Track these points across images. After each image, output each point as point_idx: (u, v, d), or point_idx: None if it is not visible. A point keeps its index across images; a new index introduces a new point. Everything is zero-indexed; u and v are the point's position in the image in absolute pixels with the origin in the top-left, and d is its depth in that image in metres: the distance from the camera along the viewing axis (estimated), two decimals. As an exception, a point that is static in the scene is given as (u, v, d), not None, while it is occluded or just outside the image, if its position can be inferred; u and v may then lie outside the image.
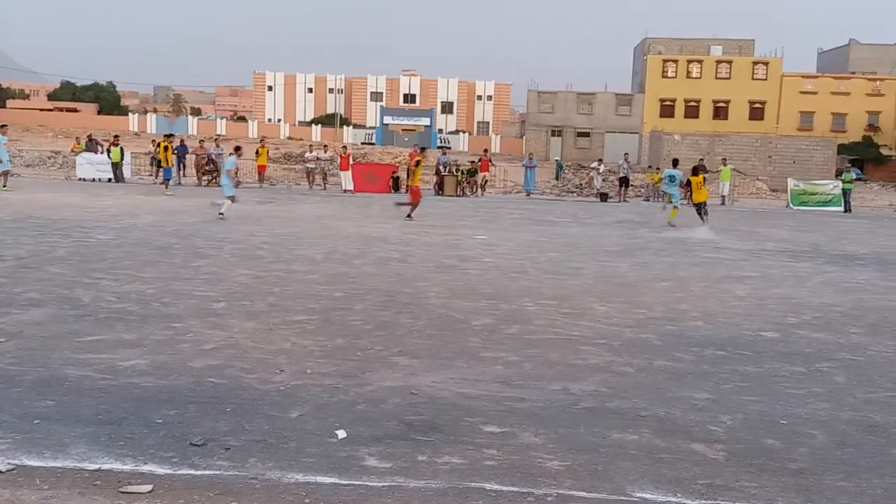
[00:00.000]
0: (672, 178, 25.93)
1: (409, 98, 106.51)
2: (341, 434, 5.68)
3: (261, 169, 34.44)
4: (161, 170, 30.56)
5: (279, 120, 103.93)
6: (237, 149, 21.82)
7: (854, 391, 7.30)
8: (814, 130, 70.53)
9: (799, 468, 5.44)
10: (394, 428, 5.87)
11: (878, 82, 74.37)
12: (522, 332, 9.10)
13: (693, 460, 5.51)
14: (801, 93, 74.15)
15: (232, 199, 19.60)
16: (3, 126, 27.30)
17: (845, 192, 34.27)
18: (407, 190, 27.22)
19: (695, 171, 22.79)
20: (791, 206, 34.68)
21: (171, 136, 32.34)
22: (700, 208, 22.36)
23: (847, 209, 33.81)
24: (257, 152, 34.72)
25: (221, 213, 19.20)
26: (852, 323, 10.35)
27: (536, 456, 5.46)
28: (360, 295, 10.82)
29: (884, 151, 69.82)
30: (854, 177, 36.71)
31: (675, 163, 27.26)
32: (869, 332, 9.86)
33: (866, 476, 5.35)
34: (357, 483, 4.93)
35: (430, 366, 7.52)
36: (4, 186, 25.48)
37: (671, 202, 25.92)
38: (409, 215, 21.62)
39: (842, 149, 61.46)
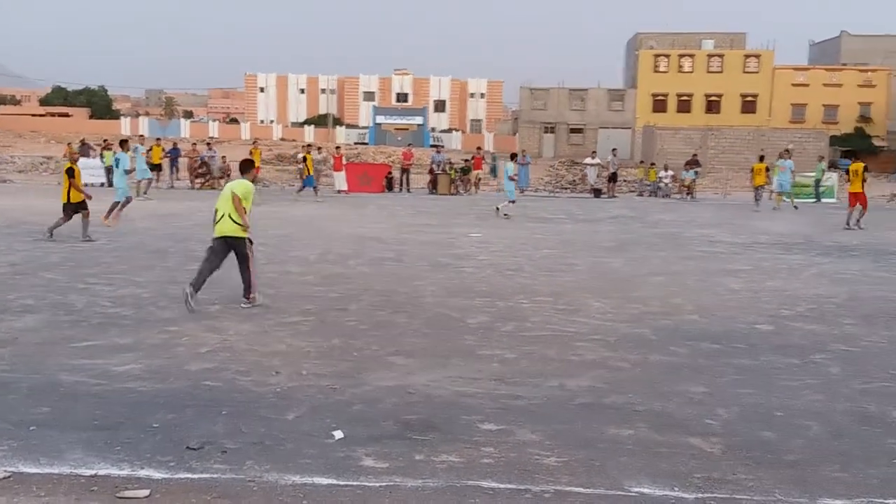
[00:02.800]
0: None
1: (402, 97, 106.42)
2: (338, 435, 5.68)
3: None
4: (158, 173, 31.01)
5: (272, 121, 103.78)
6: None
7: (849, 382, 7.32)
8: (806, 122, 70.66)
9: (795, 460, 5.45)
10: (391, 427, 5.87)
11: (869, 73, 74.47)
12: (518, 329, 9.11)
13: (690, 454, 5.52)
14: (793, 85, 74.24)
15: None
16: None
17: (816, 182, 34.70)
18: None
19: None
20: (784, 198, 34.74)
21: (159, 139, 32.60)
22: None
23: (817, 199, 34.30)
24: (250, 153, 34.66)
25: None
26: (846, 314, 10.37)
27: (533, 453, 5.46)
28: (355, 295, 10.81)
29: (875, 142, 69.94)
30: (824, 168, 36.99)
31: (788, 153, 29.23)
32: (863, 322, 9.89)
33: (862, 466, 5.36)
34: (354, 483, 4.93)
35: (426, 365, 7.52)
36: None
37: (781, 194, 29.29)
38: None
39: (834, 140, 61.60)
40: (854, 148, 66.91)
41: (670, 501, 4.81)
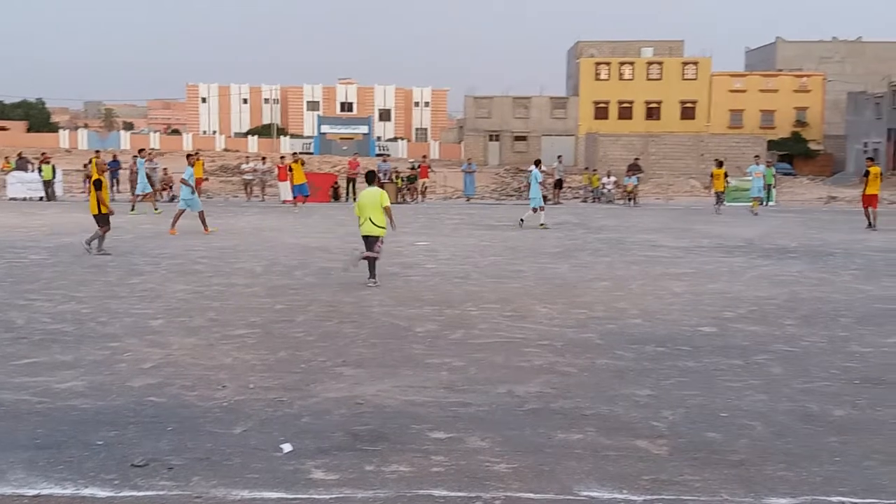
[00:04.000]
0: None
1: (347, 106, 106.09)
2: (287, 448, 5.62)
3: (197, 182, 33.91)
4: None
5: (214, 132, 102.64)
6: (189, 156, 22.02)
7: (790, 382, 7.47)
8: (744, 128, 72.12)
9: (740, 460, 5.55)
10: (340, 439, 5.83)
11: (804, 78, 76.36)
12: (466, 336, 9.13)
13: (637, 456, 5.58)
14: (731, 91, 75.77)
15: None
16: None
17: (768, 186, 35.10)
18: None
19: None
20: (724, 202, 35.31)
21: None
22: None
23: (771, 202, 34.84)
24: (190, 162, 34.17)
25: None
26: (787, 315, 10.60)
27: (483, 460, 5.47)
28: (302, 306, 10.73)
29: (811, 146, 71.67)
30: (773, 171, 37.57)
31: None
32: (803, 323, 10.11)
33: (805, 465, 5.48)
34: (304, 497, 4.88)
35: (374, 375, 7.49)
36: None
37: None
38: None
39: (771, 145, 62.92)
40: (791, 152, 68.49)
41: (619, 504, 4.86)
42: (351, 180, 34.96)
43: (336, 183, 34.72)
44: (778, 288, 12.75)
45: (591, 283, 13.07)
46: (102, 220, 15.74)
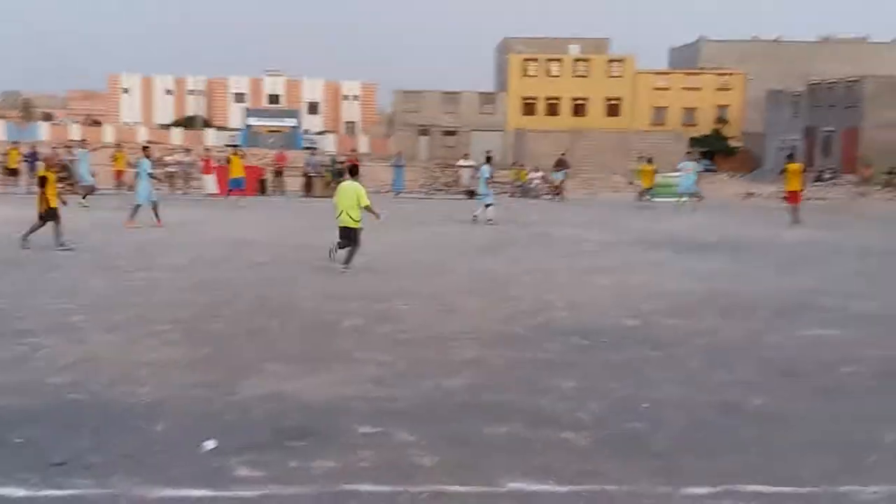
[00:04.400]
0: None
1: (274, 99, 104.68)
2: (210, 445, 5.54)
3: (118, 174, 33.10)
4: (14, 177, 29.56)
5: (136, 123, 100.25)
6: (146, 148, 21.54)
7: (710, 374, 7.67)
8: (666, 125, 73.59)
9: (661, 450, 5.67)
10: (265, 435, 5.77)
11: (726, 77, 78.24)
12: (395, 330, 9.12)
13: (563, 448, 5.66)
14: (655, 89, 77.19)
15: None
16: None
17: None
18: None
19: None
20: (649, 198, 35.92)
21: (17, 143, 31.02)
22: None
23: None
24: (114, 157, 33.37)
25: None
26: (706, 308, 10.87)
27: (411, 454, 5.48)
28: (228, 301, 10.58)
29: (731, 143, 73.52)
30: (700, 168, 38.36)
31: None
32: (722, 315, 10.38)
33: (724, 454, 5.63)
34: (228, 494, 4.82)
35: (301, 370, 7.43)
36: None
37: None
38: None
39: (693, 142, 64.37)
40: (712, 149, 70.13)
41: (543, 495, 4.92)
42: (279, 174, 34.57)
43: (263, 176, 34.27)
44: (698, 281, 13.06)
45: (519, 277, 13.18)
46: (51, 215, 15.23)
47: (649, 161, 32.80)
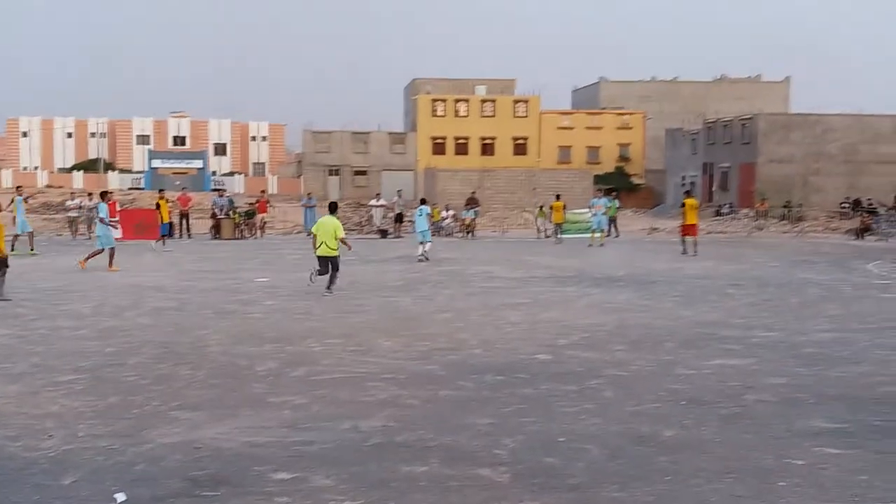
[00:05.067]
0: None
1: (180, 140, 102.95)
2: (120, 497, 5.34)
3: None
4: None
5: (36, 167, 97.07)
6: (104, 194, 21.67)
7: (622, 405, 7.81)
8: (572, 163, 75.24)
9: (577, 483, 5.74)
10: (177, 485, 5.60)
11: (626, 116, 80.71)
12: (309, 373, 9.01)
13: (480, 485, 5.66)
14: (559, 128, 79.01)
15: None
16: None
17: (612, 220, 35.89)
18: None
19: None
20: (557, 235, 36.49)
21: None
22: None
23: (616, 234, 35.76)
24: (12, 201, 32.15)
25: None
26: (616, 341, 11.09)
27: (329, 498, 5.40)
28: (134, 348, 10.28)
29: (634, 180, 75.59)
30: (617, 204, 39.20)
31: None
32: (631, 348, 10.60)
33: (638, 485, 5.72)
34: (140, 548, 4.65)
35: (213, 417, 7.26)
36: None
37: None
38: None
39: (597, 179, 65.86)
40: (615, 186, 71.84)
41: (464, 534, 4.90)
42: (184, 216, 33.91)
43: (169, 218, 33.52)
44: (608, 315, 13.32)
45: (433, 315, 13.21)
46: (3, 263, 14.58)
47: (557, 197, 33.43)
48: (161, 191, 33.18)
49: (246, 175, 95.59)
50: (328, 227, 15.75)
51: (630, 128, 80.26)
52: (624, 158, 79.14)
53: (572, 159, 77.22)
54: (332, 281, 15.64)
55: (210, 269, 20.45)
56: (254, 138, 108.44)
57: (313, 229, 16.41)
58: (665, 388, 8.45)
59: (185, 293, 15.64)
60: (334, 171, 78.41)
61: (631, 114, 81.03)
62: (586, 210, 38.04)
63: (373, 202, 40.00)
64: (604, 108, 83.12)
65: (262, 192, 41.08)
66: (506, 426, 7.05)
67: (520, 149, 78.41)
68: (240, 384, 8.48)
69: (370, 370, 9.16)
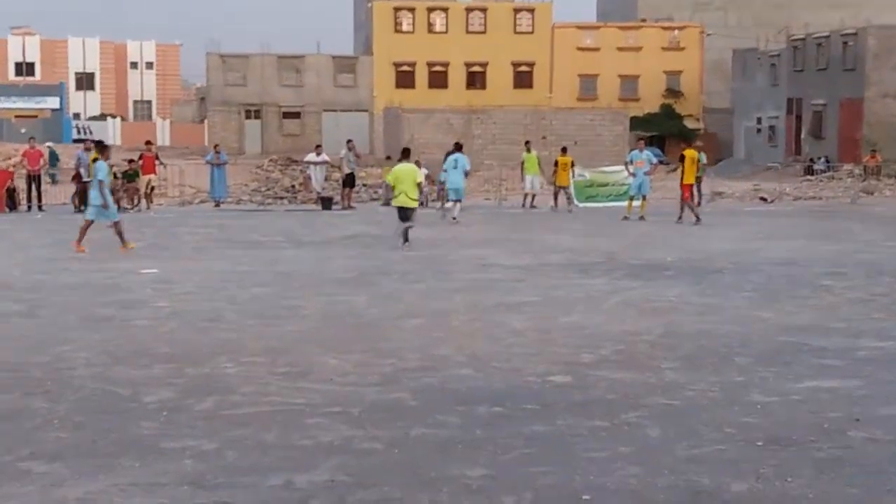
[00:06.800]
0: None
1: (26, 69, 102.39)
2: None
3: None
4: None
5: None
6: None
7: (673, 447, 7.83)
8: (599, 100, 75.25)
9: (610, 559, 5.77)
10: (31, 569, 5.60)
11: (675, 31, 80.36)
12: (221, 405, 9.00)
13: (471, 565, 5.68)
14: (580, 49, 78.89)
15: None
16: None
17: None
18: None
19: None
20: (576, 203, 36.49)
21: None
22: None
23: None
24: None
25: None
26: (664, 355, 11.12)
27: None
28: (-34, 371, 10.24)
29: (688, 124, 75.01)
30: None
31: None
32: (686, 366, 10.64)
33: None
34: None
35: (81, 469, 7.25)
36: None
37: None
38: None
39: (636, 123, 65.95)
40: (661, 132, 71.86)
41: None
42: (34, 179, 33.67)
43: (12, 184, 33.34)
44: (651, 319, 13.36)
45: (399, 322, 13.21)
46: None
47: (563, 150, 33.44)
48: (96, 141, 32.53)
49: (124, 119, 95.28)
50: (408, 175, 20.50)
51: (681, 48, 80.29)
52: (673, 93, 79.11)
53: (599, 94, 77.26)
54: (406, 234, 20.65)
55: (73, 255, 20.36)
56: (134, 65, 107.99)
57: (389, 178, 21.58)
58: (734, 423, 8.49)
59: (36, 291, 15.58)
60: (253, 113, 78.07)
61: (683, 27, 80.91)
62: (620, 168, 37.58)
63: (310, 158, 39.73)
64: (643, 20, 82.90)
65: (148, 143, 40.78)
66: (507, 478, 7.07)
67: (523, 79, 78.44)
68: (119, 422, 8.46)
69: (310, 401, 9.16)
